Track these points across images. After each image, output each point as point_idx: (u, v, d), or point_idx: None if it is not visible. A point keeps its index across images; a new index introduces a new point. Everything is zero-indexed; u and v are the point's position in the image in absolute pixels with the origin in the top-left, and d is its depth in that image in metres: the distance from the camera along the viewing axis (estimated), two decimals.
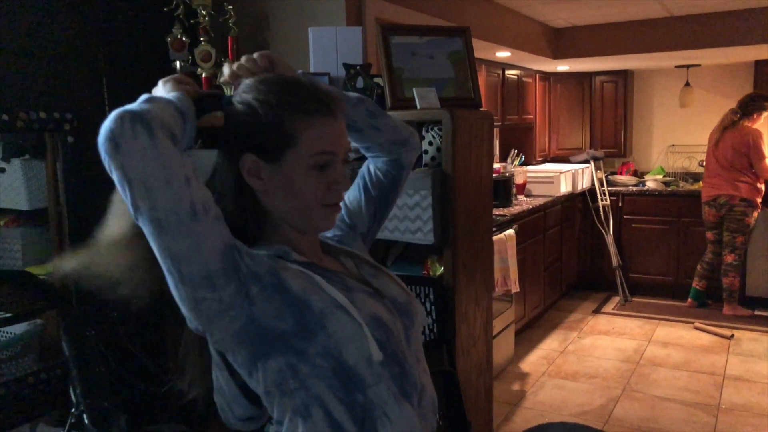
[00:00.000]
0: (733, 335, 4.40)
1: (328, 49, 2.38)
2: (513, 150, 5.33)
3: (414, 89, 2.23)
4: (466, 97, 2.36)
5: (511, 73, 5.03)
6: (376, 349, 0.90)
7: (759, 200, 4.68)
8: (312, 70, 2.36)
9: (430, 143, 2.21)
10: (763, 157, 4.58)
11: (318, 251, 1.07)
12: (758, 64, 5.24)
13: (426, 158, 2.21)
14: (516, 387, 3.71)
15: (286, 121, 0.94)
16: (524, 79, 5.30)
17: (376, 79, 2.37)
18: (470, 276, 2.27)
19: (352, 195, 1.25)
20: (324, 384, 0.90)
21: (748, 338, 4.37)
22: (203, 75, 2.50)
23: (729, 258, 4.75)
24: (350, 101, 1.12)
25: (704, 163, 5.00)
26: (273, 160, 0.96)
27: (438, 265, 2.26)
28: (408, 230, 2.18)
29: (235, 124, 0.96)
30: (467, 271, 2.25)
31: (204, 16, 2.53)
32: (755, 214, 4.70)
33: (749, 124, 4.64)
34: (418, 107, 2.21)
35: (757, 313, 4.81)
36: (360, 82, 2.35)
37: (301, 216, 0.99)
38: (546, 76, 5.76)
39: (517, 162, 5.24)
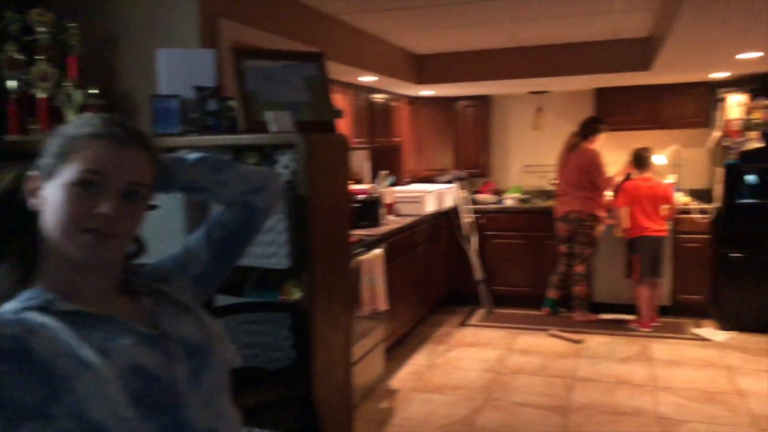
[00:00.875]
0: (582, 340, 4.76)
1: (178, 71, 2.32)
2: (382, 171, 5.46)
3: (267, 113, 2.23)
4: (321, 121, 2.40)
5: (378, 97, 5.17)
6: (124, 404, 0.88)
7: (603, 215, 5.14)
8: (162, 92, 2.29)
9: (286, 167, 2.21)
10: (602, 172, 5.05)
11: (107, 289, 1.03)
12: (598, 91, 5.77)
13: None
14: (385, 405, 3.77)
15: (71, 140, 0.96)
16: (391, 102, 5.47)
17: (231, 102, 2.35)
18: (329, 299, 2.29)
19: (195, 234, 1.23)
20: None
21: (596, 342, 4.76)
22: (39, 96, 2.34)
23: (579, 268, 5.16)
24: (187, 162, 1.12)
25: (556, 182, 5.43)
26: (49, 175, 0.96)
27: (295, 290, 2.26)
28: (263, 255, 2.17)
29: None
30: (325, 294, 2.27)
31: (42, 34, 2.39)
32: (600, 227, 5.14)
33: (588, 145, 5.11)
34: (272, 131, 2.22)
35: (603, 317, 5.26)
36: (213, 105, 2.32)
37: (60, 239, 0.95)
38: (412, 100, 5.97)
39: (386, 183, 5.37)
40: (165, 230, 2.09)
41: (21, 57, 2.31)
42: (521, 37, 4.62)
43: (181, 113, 2.29)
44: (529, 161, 6.30)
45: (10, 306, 0.93)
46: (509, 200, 5.87)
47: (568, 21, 4.06)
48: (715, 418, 3.45)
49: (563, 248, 5.28)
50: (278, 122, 2.24)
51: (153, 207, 1.07)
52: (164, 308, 1.07)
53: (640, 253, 4.90)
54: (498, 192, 6.22)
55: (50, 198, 0.95)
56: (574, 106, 6.07)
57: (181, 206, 2.13)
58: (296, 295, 2.22)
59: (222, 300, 2.36)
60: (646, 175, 4.95)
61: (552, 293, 5.38)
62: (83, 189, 0.93)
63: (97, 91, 2.43)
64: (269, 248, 2.15)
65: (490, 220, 5.77)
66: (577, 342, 4.74)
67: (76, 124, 1.00)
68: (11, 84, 2.29)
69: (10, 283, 0.96)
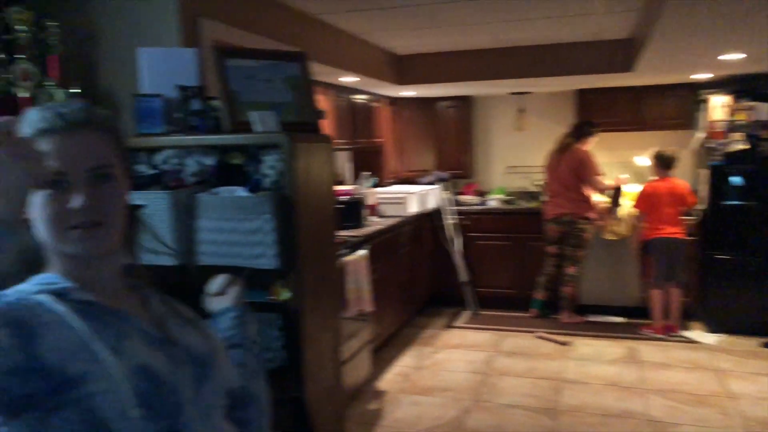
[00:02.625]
0: (569, 342, 4.77)
1: (160, 70, 2.28)
2: (365, 172, 5.43)
3: (252, 113, 2.20)
4: (305, 122, 2.37)
5: (359, 98, 5.15)
6: (133, 404, 0.87)
7: (594, 216, 5.14)
8: (143, 91, 2.25)
9: (271, 167, 2.18)
10: (596, 172, 5.05)
11: (116, 282, 1.02)
12: (580, 92, 5.80)
13: (267, 182, 2.18)
14: (373, 406, 3.74)
15: None
16: (372, 103, 5.45)
17: (214, 102, 2.31)
18: (317, 299, 2.26)
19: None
20: None
21: (583, 343, 4.76)
22: (21, 95, 2.29)
23: (570, 270, 5.15)
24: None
25: (543, 183, 5.42)
26: None
27: (284, 290, 2.22)
28: (251, 255, 2.13)
29: None
30: (313, 294, 2.24)
31: (22, 32, 2.33)
32: (591, 228, 5.15)
33: (580, 147, 5.11)
34: (257, 131, 2.19)
35: (590, 319, 5.26)
36: (196, 105, 2.28)
37: (55, 241, 0.94)
38: (393, 101, 5.96)
39: (369, 184, 5.35)
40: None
41: (1, 56, 2.26)
42: (502, 38, 4.63)
43: (165, 113, 2.24)
44: (512, 162, 6.31)
45: (25, 287, 0.92)
46: (493, 201, 5.88)
47: (549, 22, 4.07)
48: (706, 421, 3.45)
49: (552, 249, 5.26)
50: (263, 122, 2.21)
51: (139, 206, 1.07)
52: (171, 315, 1.07)
53: (654, 256, 4.83)
54: (481, 193, 6.23)
55: (31, 208, 0.93)
56: (556, 107, 6.10)
57: (169, 206, 2.09)
58: (285, 295, 2.19)
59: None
60: (668, 176, 4.86)
61: (539, 295, 5.37)
62: (52, 190, 0.91)
63: (78, 90, 2.38)
64: (257, 249, 2.11)
65: (474, 222, 5.77)
66: (565, 344, 4.74)
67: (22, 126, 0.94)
68: None
69: (18, 266, 0.95)
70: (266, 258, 2.11)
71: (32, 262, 0.95)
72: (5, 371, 0.80)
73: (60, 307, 0.89)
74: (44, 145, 0.91)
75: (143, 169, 2.21)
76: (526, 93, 6.05)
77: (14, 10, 2.34)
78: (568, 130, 5.23)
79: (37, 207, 0.92)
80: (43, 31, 2.38)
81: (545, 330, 5.00)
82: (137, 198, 1.09)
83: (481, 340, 4.90)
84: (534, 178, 5.99)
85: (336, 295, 2.45)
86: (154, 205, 2.06)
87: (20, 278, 0.93)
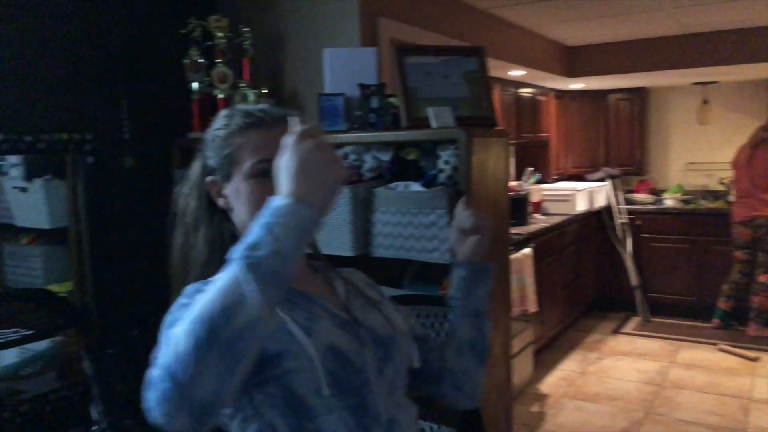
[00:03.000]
0: (759, 357, 4.29)
1: (343, 69, 2.39)
2: (528, 168, 5.30)
3: (428, 109, 2.23)
4: (481, 116, 2.35)
5: (525, 92, 5.03)
6: (325, 383, 0.93)
7: None
8: (326, 90, 2.37)
9: (447, 162, 2.19)
10: None
11: (302, 266, 1.07)
12: None
13: (442, 177, 2.20)
14: (535, 408, 3.65)
15: (228, 140, 1.04)
16: (538, 97, 5.29)
17: (392, 99, 2.38)
18: None
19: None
20: (276, 411, 0.93)
21: None
22: (218, 96, 2.52)
23: (763, 278, 4.63)
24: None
25: (731, 182, 4.92)
26: (227, 177, 1.05)
27: None
28: (424, 249, 2.16)
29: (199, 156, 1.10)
30: None
31: (220, 39, 2.57)
32: None
33: None
34: (433, 127, 2.21)
35: None
36: (375, 102, 2.35)
37: None
38: (560, 94, 5.74)
39: (532, 180, 5.21)
40: (332, 222, 2.17)
41: (202, 61, 2.50)
42: (687, 23, 4.27)
43: (346, 110, 2.35)
44: (693, 158, 5.80)
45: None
46: (670, 200, 5.45)
47: (748, 4, 3.67)
48: None
49: (740, 255, 4.76)
50: (439, 118, 2.22)
51: None
52: (354, 297, 1.12)
53: None
54: (656, 191, 5.80)
55: (235, 195, 1.03)
56: (747, 98, 5.52)
57: (348, 199, 2.18)
58: None
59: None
60: None
61: (723, 304, 4.88)
62: (261, 177, 1.00)
63: (266, 91, 2.57)
64: (431, 242, 2.14)
65: (646, 222, 5.39)
66: (754, 359, 4.27)
67: (223, 123, 1.06)
68: (194, 85, 2.49)
69: (208, 254, 1.05)
70: (439, 252, 2.12)
71: (220, 251, 1.02)
72: None
73: None
74: (252, 139, 1.02)
75: None
76: (711, 83, 5.53)
77: (213, 19, 2.58)
78: (766, 122, 4.68)
79: (244, 194, 1.01)
80: (239, 36, 2.60)
81: (729, 342, 4.55)
82: None
83: (653, 349, 4.57)
84: (719, 176, 5.46)
85: (506, 292, 2.41)
86: None
87: (214, 265, 0.99)
